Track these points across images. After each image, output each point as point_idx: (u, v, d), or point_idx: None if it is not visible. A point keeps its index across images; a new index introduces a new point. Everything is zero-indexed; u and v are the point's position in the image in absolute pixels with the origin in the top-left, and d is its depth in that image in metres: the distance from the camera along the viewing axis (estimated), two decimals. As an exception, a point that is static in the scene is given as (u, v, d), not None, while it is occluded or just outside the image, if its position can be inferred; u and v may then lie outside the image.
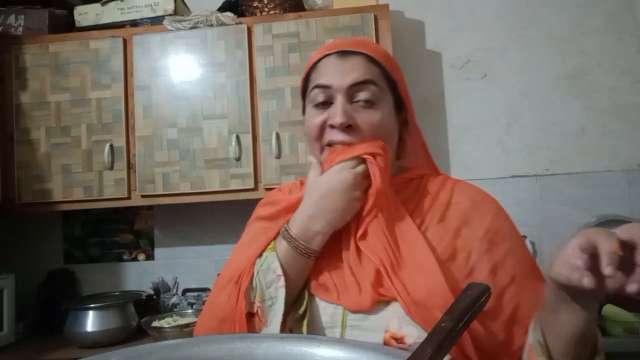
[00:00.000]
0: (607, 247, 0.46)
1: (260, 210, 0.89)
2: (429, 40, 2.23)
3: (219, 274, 0.81)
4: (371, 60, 0.78)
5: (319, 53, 0.82)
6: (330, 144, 0.77)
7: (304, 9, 1.99)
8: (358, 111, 0.76)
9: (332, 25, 1.87)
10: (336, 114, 0.74)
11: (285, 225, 0.75)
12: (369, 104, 0.76)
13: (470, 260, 0.70)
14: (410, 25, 2.23)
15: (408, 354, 0.46)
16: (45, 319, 2.02)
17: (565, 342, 0.58)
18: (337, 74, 0.76)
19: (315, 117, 0.78)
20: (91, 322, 1.79)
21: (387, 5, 1.90)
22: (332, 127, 0.75)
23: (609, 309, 1.63)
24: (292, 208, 0.78)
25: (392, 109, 0.80)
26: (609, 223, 2.00)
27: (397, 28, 2.16)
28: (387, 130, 0.78)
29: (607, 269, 0.46)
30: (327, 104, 0.77)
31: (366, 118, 0.75)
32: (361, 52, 0.78)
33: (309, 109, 0.80)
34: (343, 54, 0.78)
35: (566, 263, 0.51)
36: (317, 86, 0.78)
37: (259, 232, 0.81)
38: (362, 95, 0.75)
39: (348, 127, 0.74)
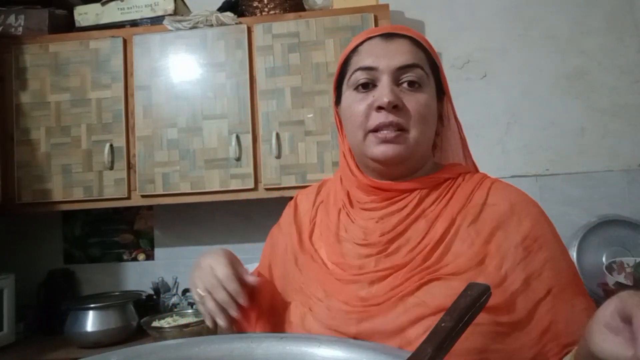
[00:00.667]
0: None
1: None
2: (429, 40, 2.22)
3: None
4: (416, 43, 0.76)
5: (359, 37, 0.79)
6: (376, 129, 0.72)
7: (304, 9, 1.99)
8: (404, 93, 0.73)
9: (332, 25, 1.87)
10: (383, 94, 0.71)
11: None
12: (415, 86, 0.73)
13: (502, 268, 0.65)
14: (410, 25, 2.20)
15: (408, 354, 0.46)
16: (45, 319, 2.02)
17: None
18: (383, 56, 0.73)
19: (359, 102, 0.74)
20: (91, 322, 1.79)
21: (387, 5, 1.90)
22: (378, 109, 0.71)
23: (609, 309, 1.63)
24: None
25: (435, 96, 0.77)
26: (609, 223, 2.00)
27: (397, 28, 2.16)
28: (431, 115, 0.75)
29: None
30: (369, 86, 0.74)
31: (413, 100, 0.72)
32: (405, 35, 0.76)
33: (349, 93, 0.76)
34: (388, 36, 0.76)
35: (607, 337, 0.44)
36: (361, 68, 0.74)
37: None
38: (408, 77, 0.73)
39: (394, 108, 0.71)
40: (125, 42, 1.95)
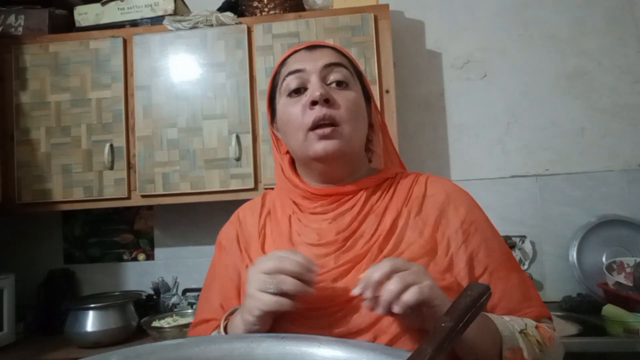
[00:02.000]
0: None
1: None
2: (429, 40, 2.23)
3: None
4: (338, 51, 0.83)
5: (285, 53, 0.85)
6: (313, 127, 0.75)
7: (304, 9, 1.99)
8: (333, 91, 0.77)
9: (332, 25, 1.87)
10: (314, 89, 0.76)
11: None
12: (343, 85, 0.79)
13: (449, 252, 0.73)
14: (410, 25, 2.23)
15: (408, 354, 0.46)
16: (45, 319, 2.02)
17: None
18: (309, 60, 0.79)
19: (294, 104, 0.78)
20: (91, 322, 1.79)
21: (387, 5, 1.90)
22: (312, 104, 0.75)
23: (609, 309, 1.63)
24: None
25: (362, 96, 0.82)
26: (609, 223, 2.00)
27: (397, 28, 2.16)
28: (361, 113, 0.80)
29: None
30: (300, 90, 0.78)
31: (342, 97, 0.77)
32: (328, 46, 0.83)
33: (284, 101, 0.80)
34: (312, 47, 0.82)
35: None
36: (291, 72, 0.79)
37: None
38: (335, 77, 0.78)
39: (326, 102, 0.75)
40: (125, 42, 1.95)
